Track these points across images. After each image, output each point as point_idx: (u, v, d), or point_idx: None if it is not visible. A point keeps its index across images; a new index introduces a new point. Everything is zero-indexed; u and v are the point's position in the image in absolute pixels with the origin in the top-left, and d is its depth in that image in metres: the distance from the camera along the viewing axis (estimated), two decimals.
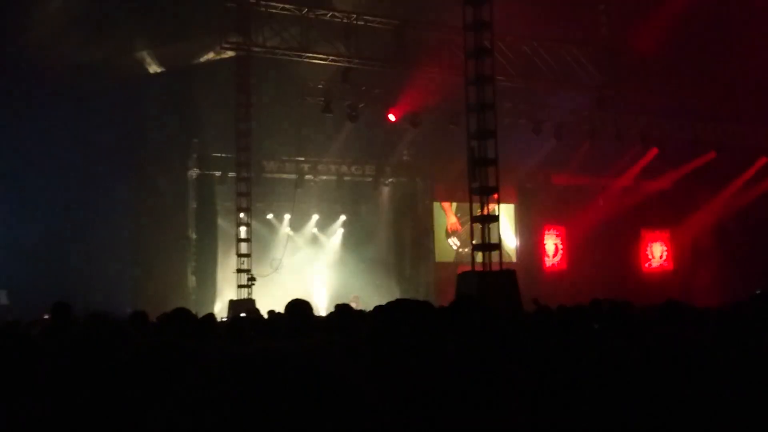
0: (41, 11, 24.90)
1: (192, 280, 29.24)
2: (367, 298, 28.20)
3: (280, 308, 14.86)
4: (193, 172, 29.63)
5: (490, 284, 15.22)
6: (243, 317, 12.46)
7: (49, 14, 24.88)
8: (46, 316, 12.97)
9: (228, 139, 26.30)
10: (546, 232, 35.16)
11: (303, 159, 30.74)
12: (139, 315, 7.31)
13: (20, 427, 2.03)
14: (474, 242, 17.89)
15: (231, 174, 27.44)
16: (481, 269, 16.39)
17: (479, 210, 16.98)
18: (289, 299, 5.99)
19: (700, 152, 33.65)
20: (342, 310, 6.73)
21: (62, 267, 25.52)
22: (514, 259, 32.48)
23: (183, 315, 5.41)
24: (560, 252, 35.30)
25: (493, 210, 16.84)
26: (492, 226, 16.78)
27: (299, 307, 5.61)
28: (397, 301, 2.16)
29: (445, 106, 28.09)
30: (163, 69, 27.84)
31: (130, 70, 26.69)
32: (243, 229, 25.66)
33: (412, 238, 33.36)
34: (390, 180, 33.23)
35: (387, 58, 26.51)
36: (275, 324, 8.93)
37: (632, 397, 2.82)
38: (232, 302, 24.21)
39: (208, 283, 28.78)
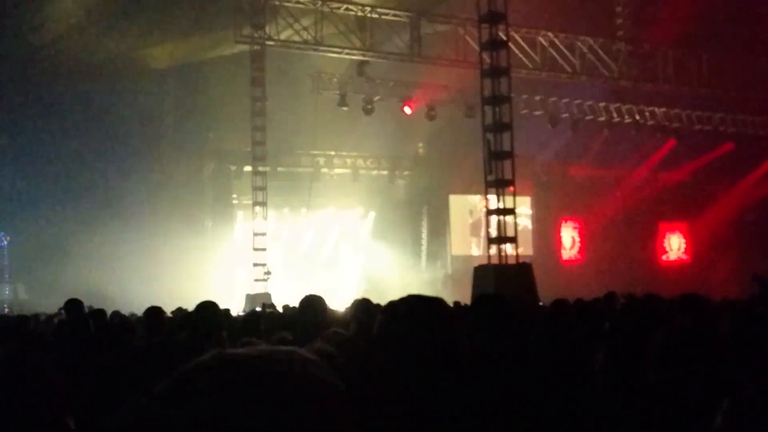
0: (57, 9, 25.00)
1: (208, 273, 29.31)
2: (383, 291, 28.18)
3: (294, 302, 14.87)
4: (210, 166, 29.70)
5: (506, 278, 15.16)
6: (258, 311, 12.48)
7: (65, 11, 24.97)
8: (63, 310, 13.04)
9: (244, 133, 26.31)
10: (563, 224, 35.02)
11: (319, 153, 30.73)
12: (153, 311, 7.30)
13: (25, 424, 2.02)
14: (490, 235, 17.82)
15: (247, 168, 27.47)
16: (497, 262, 16.34)
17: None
18: (303, 293, 5.97)
19: (719, 143, 33.38)
20: (359, 304, 6.70)
21: (80, 261, 25.67)
22: (531, 252, 32.38)
23: (211, 309, 5.39)
24: (577, 244, 35.16)
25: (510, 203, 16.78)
26: (508, 218, 16.72)
27: (313, 303, 5.59)
28: (408, 297, 2.13)
29: (461, 99, 28.00)
30: (178, 63, 27.90)
31: (146, 65, 26.76)
32: (259, 223, 25.67)
33: (428, 231, 33.31)
34: (406, 173, 33.18)
35: (402, 50, 26.44)
36: (290, 319, 8.93)
37: (644, 396, 2.79)
38: (249, 296, 24.26)
39: (224, 277, 28.84)
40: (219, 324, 5.27)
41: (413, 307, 2.07)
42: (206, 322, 5.17)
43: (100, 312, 8.66)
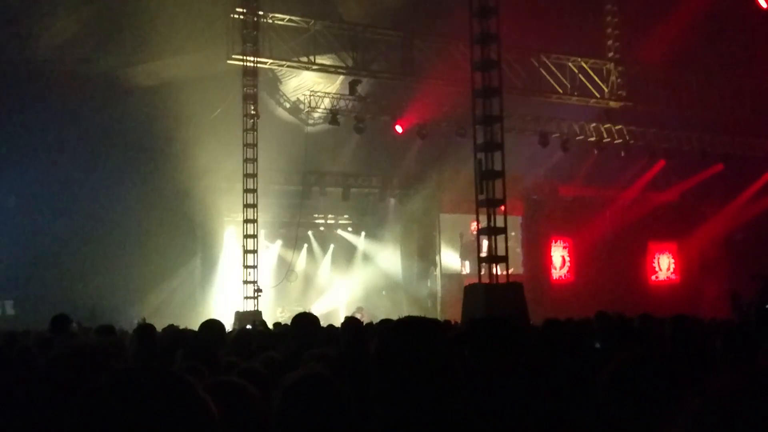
0: (50, 22, 25.01)
1: (198, 290, 29.22)
2: (374, 309, 28.15)
3: (285, 319, 14.77)
4: (200, 183, 29.63)
5: (497, 297, 15.16)
6: (249, 329, 12.43)
7: (56, 27, 24.98)
8: None
9: (234, 150, 26.28)
10: (553, 243, 35.07)
11: (309, 171, 30.72)
12: (145, 329, 7.27)
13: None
14: (481, 255, 17.82)
15: (237, 185, 27.43)
16: (488, 281, 16.34)
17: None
18: (294, 311, 5.97)
19: (708, 164, 33.53)
20: (348, 324, 6.69)
21: (68, 277, 25.55)
22: (520, 271, 32.40)
23: (215, 328, 5.40)
24: (567, 264, 35.20)
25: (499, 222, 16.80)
26: (499, 238, 16.74)
27: (306, 321, 5.57)
28: (406, 318, 2.13)
29: (452, 118, 28.09)
30: (169, 80, 27.89)
31: (137, 81, 26.74)
32: (249, 241, 25.61)
33: (418, 249, 33.31)
34: (396, 192, 33.21)
35: (394, 69, 26.55)
36: (281, 336, 8.90)
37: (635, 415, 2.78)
38: (238, 314, 24.16)
39: (214, 294, 28.76)
40: (217, 344, 5.25)
41: (410, 328, 2.06)
42: (206, 342, 5.16)
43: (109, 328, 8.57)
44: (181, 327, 11.29)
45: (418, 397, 1.86)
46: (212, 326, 5.37)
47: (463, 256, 32.81)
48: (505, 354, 3.08)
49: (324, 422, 2.12)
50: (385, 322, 4.39)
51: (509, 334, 3.25)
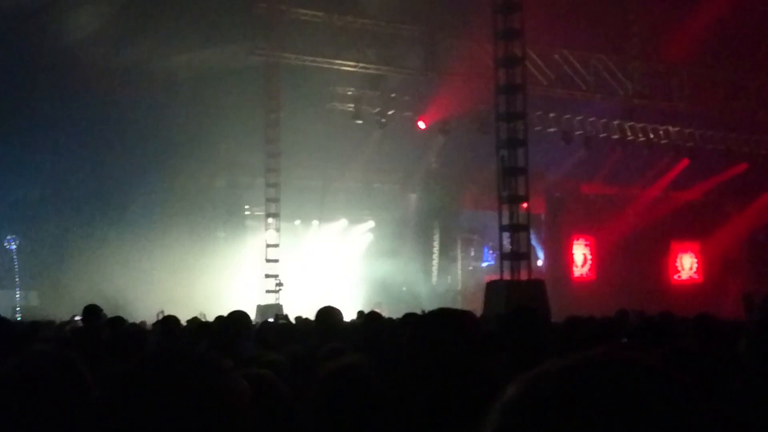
0: (75, 17, 25.17)
1: (219, 284, 29.33)
2: (394, 304, 28.16)
3: (306, 313, 14.85)
4: (222, 178, 29.77)
5: (518, 294, 15.12)
6: (271, 322, 12.48)
7: (83, 20, 25.14)
8: (76, 318, 13.05)
9: (257, 144, 26.37)
10: (574, 241, 34.91)
11: (331, 165, 30.77)
12: (168, 320, 7.32)
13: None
14: (503, 252, 17.78)
15: (259, 180, 27.52)
16: (510, 278, 16.31)
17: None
18: (314, 304, 5.99)
19: (732, 163, 33.24)
20: (370, 317, 6.70)
21: (91, 269, 25.74)
22: (542, 268, 32.26)
23: (243, 318, 5.44)
24: (589, 262, 35.02)
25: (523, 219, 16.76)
26: (521, 234, 16.70)
27: (329, 315, 5.59)
28: (440, 309, 2.14)
29: (475, 114, 28.01)
30: (192, 74, 28.01)
31: (161, 75, 26.88)
32: (271, 235, 25.70)
33: (439, 245, 33.27)
34: (418, 187, 33.19)
35: (417, 65, 26.49)
36: (303, 330, 8.93)
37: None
38: (260, 307, 24.27)
39: (235, 288, 28.86)
40: (242, 336, 5.28)
41: (445, 319, 2.07)
42: (231, 333, 5.19)
43: (118, 319, 8.66)
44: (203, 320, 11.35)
45: (450, 386, 1.87)
46: (238, 317, 5.40)
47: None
48: (539, 346, 3.09)
49: (360, 411, 2.13)
50: (410, 316, 4.40)
51: (544, 326, 3.25)
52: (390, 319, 7.08)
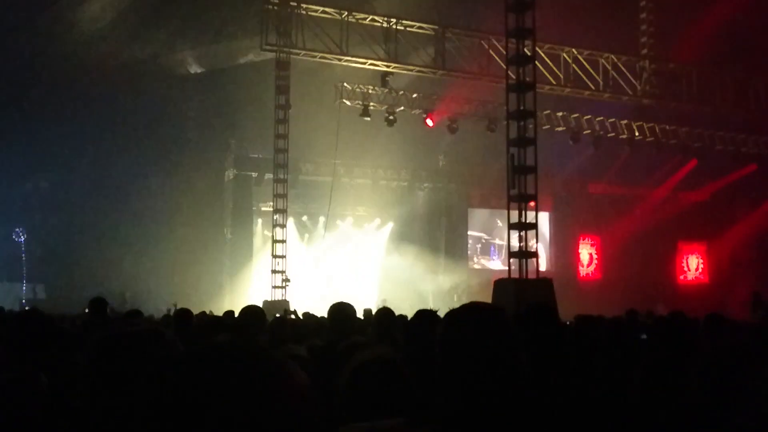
0: (87, 12, 25.23)
1: (226, 279, 29.41)
2: (399, 301, 28.16)
3: (312, 309, 14.83)
4: (230, 173, 29.82)
5: (526, 292, 15.12)
6: (280, 318, 12.50)
7: (94, 15, 25.20)
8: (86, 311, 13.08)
9: (265, 140, 26.40)
10: (581, 241, 34.91)
11: (339, 162, 30.79)
12: (182, 313, 7.35)
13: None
14: (511, 250, 17.79)
15: (268, 175, 27.56)
16: (518, 276, 16.31)
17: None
18: (320, 301, 6.01)
19: (741, 164, 33.17)
20: (384, 313, 6.72)
21: (99, 263, 25.82)
22: (548, 267, 32.27)
23: (258, 313, 5.47)
24: (595, 261, 35.03)
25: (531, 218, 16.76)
26: (529, 233, 16.71)
27: (343, 310, 5.60)
28: (470, 304, 2.15)
29: (483, 113, 28.04)
30: (203, 69, 28.08)
31: (171, 70, 26.95)
32: (279, 231, 25.74)
33: (445, 243, 33.30)
34: (426, 185, 33.20)
35: (426, 63, 26.49)
36: (313, 326, 8.96)
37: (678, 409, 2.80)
38: (266, 303, 24.27)
39: (242, 283, 28.93)
40: (257, 331, 5.30)
41: (476, 314, 2.09)
42: (246, 328, 5.21)
43: (136, 312, 8.67)
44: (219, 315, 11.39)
45: (483, 384, 1.89)
46: (253, 312, 5.43)
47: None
48: (561, 344, 3.12)
49: (390, 403, 2.15)
50: (422, 313, 4.42)
51: (557, 325, 3.28)
52: (402, 316, 7.07)
